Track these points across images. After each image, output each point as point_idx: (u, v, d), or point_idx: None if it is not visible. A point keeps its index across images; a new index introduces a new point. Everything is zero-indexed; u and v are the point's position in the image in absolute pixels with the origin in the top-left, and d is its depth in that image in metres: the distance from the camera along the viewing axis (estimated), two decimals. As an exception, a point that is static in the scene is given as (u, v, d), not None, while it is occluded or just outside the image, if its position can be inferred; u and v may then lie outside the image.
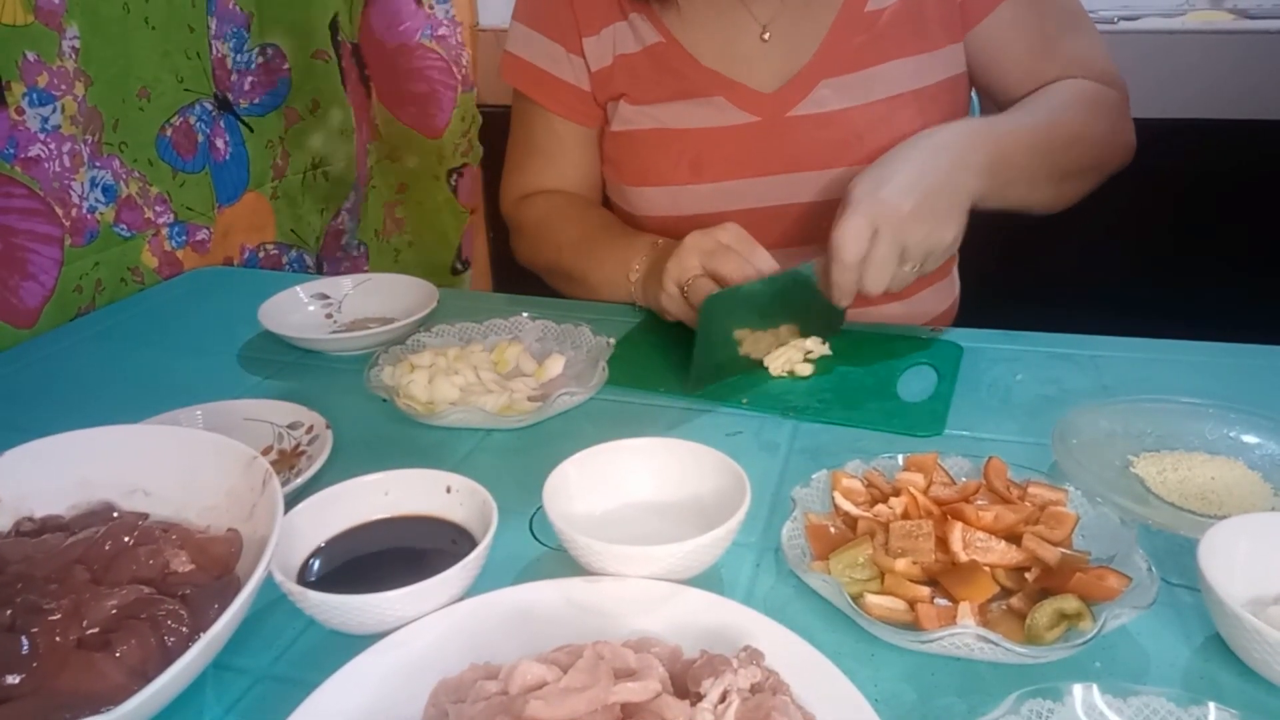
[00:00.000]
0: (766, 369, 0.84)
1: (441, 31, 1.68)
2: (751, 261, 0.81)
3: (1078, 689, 0.45)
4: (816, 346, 0.86)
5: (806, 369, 0.83)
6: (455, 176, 1.80)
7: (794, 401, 0.79)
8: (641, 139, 1.01)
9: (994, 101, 1.02)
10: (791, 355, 0.84)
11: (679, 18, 0.99)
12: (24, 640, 0.46)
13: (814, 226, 0.98)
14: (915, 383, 0.81)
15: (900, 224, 0.77)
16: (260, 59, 1.37)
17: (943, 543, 0.56)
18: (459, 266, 1.87)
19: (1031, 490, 0.60)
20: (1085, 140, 0.93)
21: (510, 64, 1.07)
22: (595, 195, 1.12)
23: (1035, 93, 0.96)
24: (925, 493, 0.60)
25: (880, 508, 0.60)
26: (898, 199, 0.77)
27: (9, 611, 0.48)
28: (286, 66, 1.40)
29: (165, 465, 0.60)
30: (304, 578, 0.56)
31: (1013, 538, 0.56)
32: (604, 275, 0.99)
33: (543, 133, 1.08)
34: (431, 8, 1.66)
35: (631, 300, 0.96)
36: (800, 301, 0.85)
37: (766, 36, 0.98)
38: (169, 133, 1.20)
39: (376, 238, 1.72)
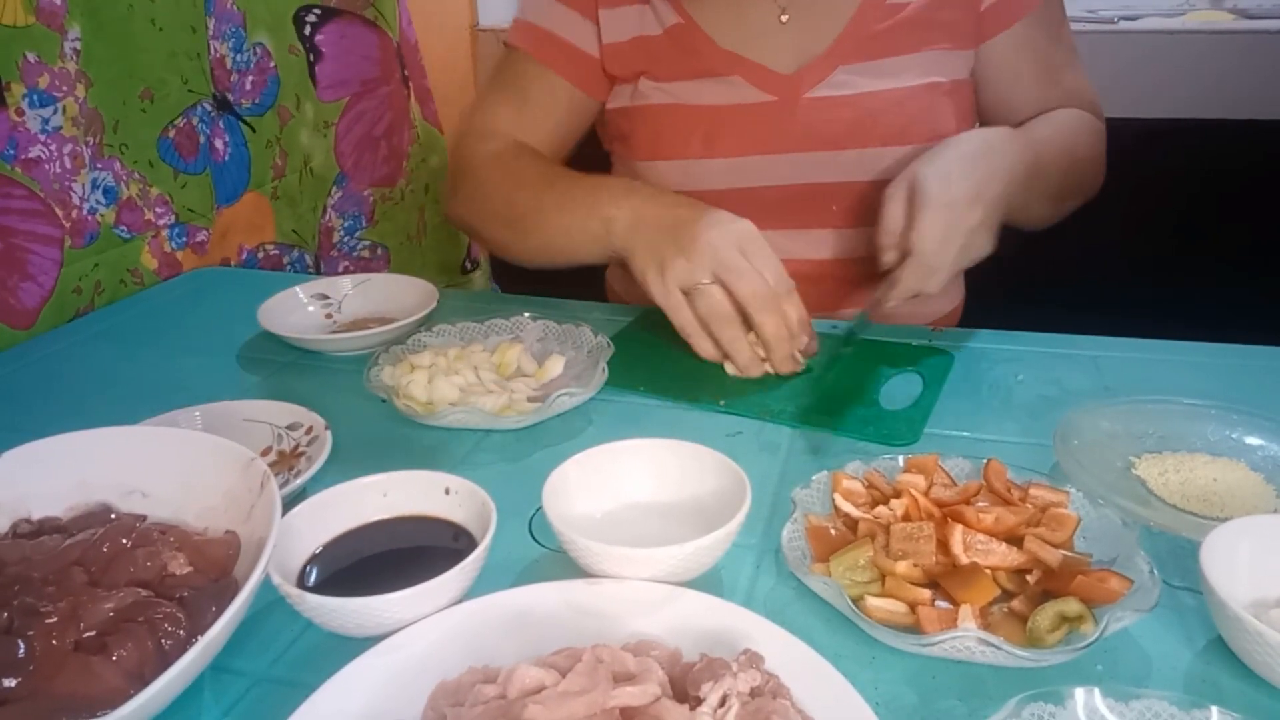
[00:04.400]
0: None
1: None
2: (765, 278, 0.77)
3: (1079, 692, 0.44)
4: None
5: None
6: None
7: (771, 405, 0.78)
8: (655, 113, 1.01)
9: (993, 120, 1.03)
10: None
11: (698, 1, 0.99)
12: (20, 643, 0.46)
13: (825, 206, 0.99)
14: (901, 390, 0.80)
15: (969, 233, 0.78)
16: (254, 58, 1.37)
17: (944, 545, 0.56)
18: (468, 265, 1.88)
19: (1033, 492, 0.59)
20: (1086, 164, 0.97)
21: (518, 27, 1.06)
22: (560, 155, 1.07)
23: (1043, 115, 0.98)
24: (926, 494, 0.59)
25: (881, 509, 0.59)
26: (969, 208, 0.78)
27: (5, 614, 0.48)
28: (273, 64, 1.40)
29: (163, 467, 0.60)
30: (302, 580, 0.56)
31: (1014, 540, 0.56)
32: (569, 218, 0.90)
33: (536, 84, 1.04)
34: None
35: (602, 254, 0.88)
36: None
37: (784, 19, 0.98)
38: (171, 134, 1.20)
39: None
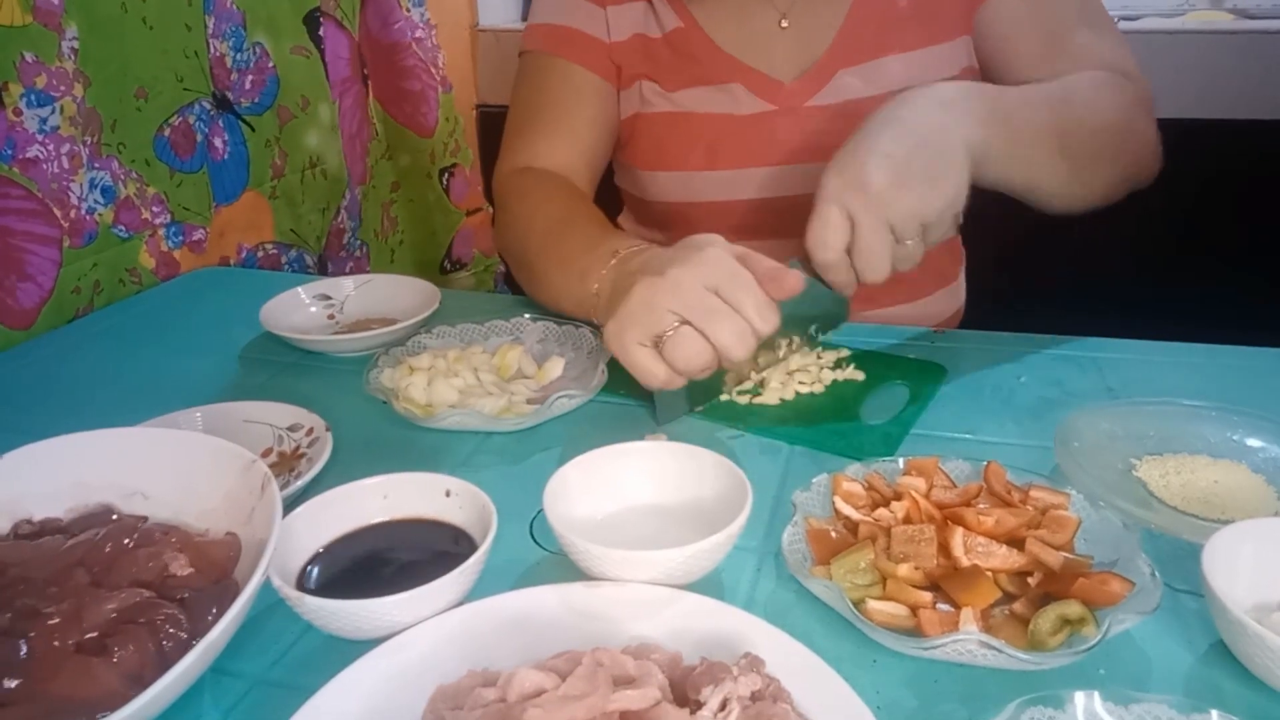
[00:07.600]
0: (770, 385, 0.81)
1: (418, 34, 1.70)
2: (743, 311, 0.66)
3: (1079, 696, 0.44)
4: (808, 362, 0.83)
5: (791, 393, 0.80)
6: (446, 176, 1.82)
7: (748, 415, 0.77)
8: (658, 122, 1.01)
9: None
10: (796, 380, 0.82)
11: (700, 3, 0.99)
12: (21, 644, 0.46)
13: None
14: (886, 403, 0.78)
15: (877, 201, 0.68)
16: (253, 57, 1.37)
17: (944, 547, 0.55)
18: (448, 266, 1.90)
19: (1033, 494, 0.59)
20: (1098, 118, 0.85)
21: (532, 31, 1.04)
22: (601, 160, 1.05)
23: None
24: (927, 497, 0.59)
25: (882, 512, 0.59)
26: (866, 175, 0.68)
27: (8, 615, 0.48)
28: (271, 64, 1.40)
29: (163, 468, 0.60)
30: (302, 582, 0.55)
31: (1015, 542, 0.56)
32: (563, 279, 0.85)
33: (559, 86, 1.02)
34: (408, 11, 1.67)
35: (589, 318, 0.82)
36: (795, 305, 0.77)
37: (784, 24, 0.98)
38: (167, 132, 1.20)
39: (376, 237, 1.73)
